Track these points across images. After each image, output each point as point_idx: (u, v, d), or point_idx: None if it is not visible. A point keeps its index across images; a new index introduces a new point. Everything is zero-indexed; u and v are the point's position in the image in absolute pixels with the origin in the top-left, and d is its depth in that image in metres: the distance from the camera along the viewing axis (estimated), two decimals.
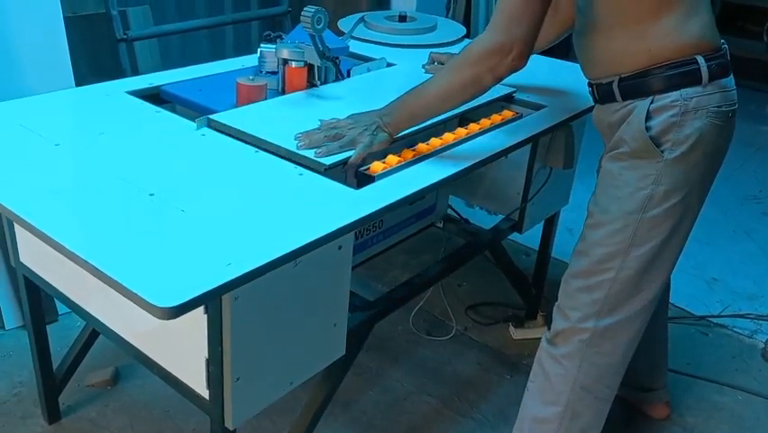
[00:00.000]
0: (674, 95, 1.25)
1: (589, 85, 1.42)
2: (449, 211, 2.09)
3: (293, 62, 1.63)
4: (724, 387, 2.08)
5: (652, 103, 1.27)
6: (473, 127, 1.56)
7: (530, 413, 1.54)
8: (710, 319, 2.41)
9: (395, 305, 1.63)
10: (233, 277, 0.93)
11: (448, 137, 1.49)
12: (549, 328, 1.50)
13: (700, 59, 1.25)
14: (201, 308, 1.07)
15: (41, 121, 1.39)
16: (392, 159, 1.37)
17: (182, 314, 0.88)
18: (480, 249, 1.98)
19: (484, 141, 1.51)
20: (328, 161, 1.27)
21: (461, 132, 1.53)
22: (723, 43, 1.33)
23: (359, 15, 2.40)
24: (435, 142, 1.46)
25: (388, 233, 1.74)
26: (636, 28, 1.26)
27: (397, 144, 1.44)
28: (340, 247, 1.22)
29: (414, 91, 1.35)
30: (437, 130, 1.57)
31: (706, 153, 1.29)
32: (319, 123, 1.39)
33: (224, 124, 1.41)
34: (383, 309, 1.57)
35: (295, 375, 1.26)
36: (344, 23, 2.33)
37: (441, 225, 2.02)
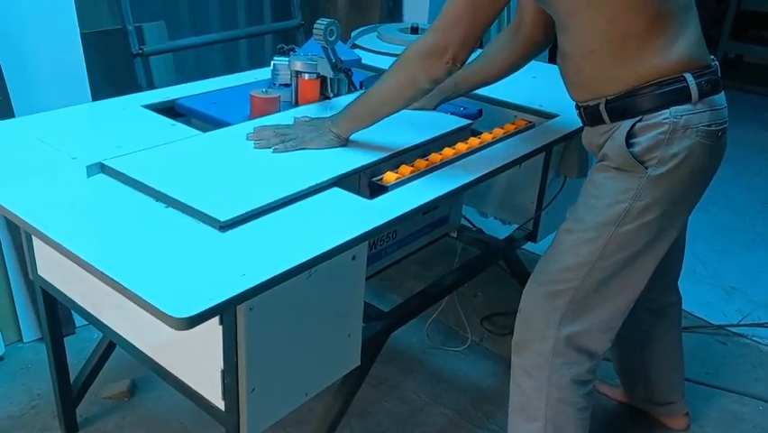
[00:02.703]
0: (665, 113, 1.23)
1: (577, 107, 1.39)
2: (462, 221, 2.09)
3: (306, 74, 1.64)
4: (744, 397, 2.04)
5: (640, 121, 1.24)
6: (486, 137, 1.56)
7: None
8: (729, 329, 2.37)
9: (410, 315, 1.63)
10: (248, 287, 0.94)
11: (461, 147, 1.49)
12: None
13: (689, 77, 1.23)
14: (216, 319, 1.08)
15: (58, 135, 1.41)
16: (405, 169, 1.37)
17: (197, 324, 0.88)
18: (495, 259, 1.98)
19: (497, 150, 1.51)
20: (225, 216, 1.11)
21: (475, 141, 1.53)
22: (713, 60, 1.31)
23: (371, 27, 2.42)
24: (448, 151, 1.46)
25: (402, 243, 1.74)
26: (622, 52, 1.23)
27: (410, 154, 1.44)
28: (354, 257, 1.22)
29: (361, 95, 1.39)
30: (450, 140, 1.57)
31: (693, 172, 1.27)
32: (294, 120, 1.46)
33: (119, 172, 1.26)
34: (398, 320, 1.57)
35: (310, 386, 1.26)
36: (357, 35, 2.35)
37: (455, 234, 2.01)
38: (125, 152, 1.34)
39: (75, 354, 1.88)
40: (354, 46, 2.34)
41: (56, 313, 1.60)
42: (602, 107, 1.28)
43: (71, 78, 1.99)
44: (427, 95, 1.39)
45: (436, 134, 1.53)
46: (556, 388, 1.42)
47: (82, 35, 2.02)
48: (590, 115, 1.33)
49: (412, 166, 1.39)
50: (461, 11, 1.22)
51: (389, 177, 1.34)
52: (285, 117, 1.53)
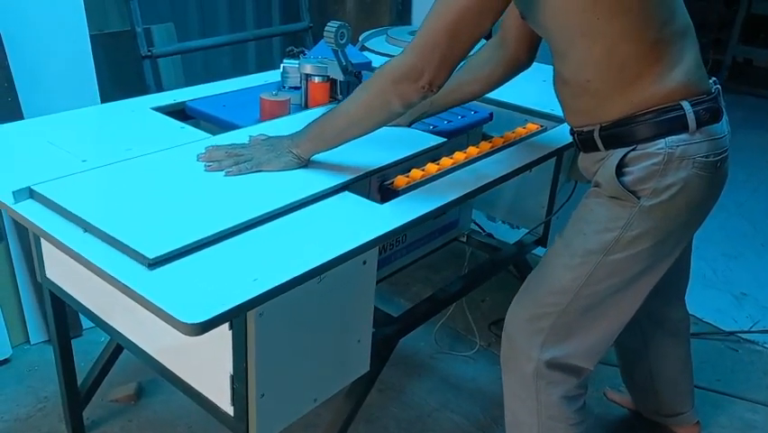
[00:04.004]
0: (660, 142, 1.17)
1: (571, 132, 1.34)
2: (472, 225, 2.08)
3: (316, 77, 1.64)
4: (756, 405, 2.03)
5: (634, 150, 1.19)
6: (498, 141, 1.55)
7: None
8: (740, 335, 2.35)
9: (419, 320, 1.62)
10: (260, 292, 0.93)
11: (472, 151, 1.48)
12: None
13: (686, 105, 1.17)
14: (226, 324, 1.06)
15: (68, 137, 1.41)
16: (416, 173, 1.36)
17: (209, 330, 0.87)
18: (505, 264, 1.96)
19: (509, 154, 1.50)
20: (154, 253, 0.98)
21: (485, 145, 1.52)
22: (715, 83, 1.26)
23: (380, 30, 2.41)
24: (459, 156, 1.45)
25: (411, 247, 1.73)
26: (618, 81, 1.18)
27: (421, 158, 1.43)
28: (365, 262, 1.21)
29: (328, 113, 1.27)
30: (460, 144, 1.56)
31: (690, 204, 1.22)
32: (249, 138, 1.36)
33: (48, 198, 1.14)
34: (407, 325, 1.56)
35: (319, 392, 1.25)
36: (366, 38, 2.35)
37: (464, 239, 2.00)
38: (135, 154, 1.33)
39: (82, 357, 1.87)
40: (363, 48, 2.34)
41: (64, 316, 1.60)
42: (596, 134, 1.24)
43: (80, 79, 1.99)
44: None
45: (407, 154, 1.41)
46: (546, 407, 1.40)
47: (91, 37, 2.02)
48: (584, 142, 1.28)
49: (423, 170, 1.38)
50: (440, 33, 1.12)
51: (400, 181, 1.33)
52: (240, 136, 1.42)
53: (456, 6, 1.10)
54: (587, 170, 1.33)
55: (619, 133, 1.20)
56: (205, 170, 1.25)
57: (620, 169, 1.21)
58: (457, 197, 1.29)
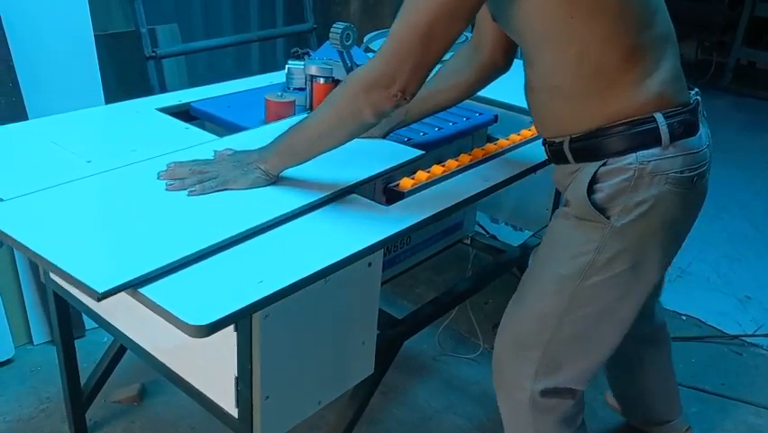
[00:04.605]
0: (630, 157, 1.10)
1: (543, 143, 1.28)
2: (476, 227, 2.08)
3: (321, 78, 1.63)
4: (761, 409, 2.02)
5: (604, 165, 1.12)
6: (503, 143, 1.55)
7: None
8: (744, 339, 2.34)
9: (423, 323, 1.61)
10: (265, 295, 0.93)
11: (477, 153, 1.48)
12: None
13: (659, 117, 1.09)
14: (231, 326, 1.06)
15: (73, 138, 1.41)
16: (421, 175, 1.36)
17: (214, 332, 0.87)
18: (509, 267, 1.96)
19: (514, 156, 1.50)
20: (103, 287, 0.91)
21: (491, 147, 1.52)
22: (695, 94, 1.19)
23: (384, 31, 2.41)
24: (465, 157, 1.45)
25: (415, 249, 1.73)
26: (591, 89, 1.11)
27: (426, 160, 1.43)
28: (370, 264, 1.20)
29: (296, 126, 1.19)
30: (465, 146, 1.56)
31: (664, 223, 1.15)
32: (214, 153, 1.28)
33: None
34: (411, 327, 1.55)
35: (323, 394, 1.24)
36: (370, 39, 2.34)
37: (468, 241, 2.00)
38: (140, 155, 1.33)
39: (84, 358, 1.87)
40: (368, 50, 2.33)
41: (67, 316, 1.60)
42: (566, 146, 1.17)
43: (85, 80, 1.99)
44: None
45: (382, 169, 1.32)
46: (544, 429, 1.35)
47: (95, 37, 2.02)
48: (555, 153, 1.21)
49: (428, 172, 1.37)
50: (411, 39, 1.05)
51: (406, 183, 1.32)
52: (243, 139, 1.36)
53: (427, 9, 1.04)
54: (559, 182, 1.26)
55: (590, 146, 1.14)
56: (167, 189, 1.17)
57: (591, 185, 1.14)
58: (462, 199, 1.29)
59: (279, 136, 1.20)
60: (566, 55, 1.09)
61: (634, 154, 1.10)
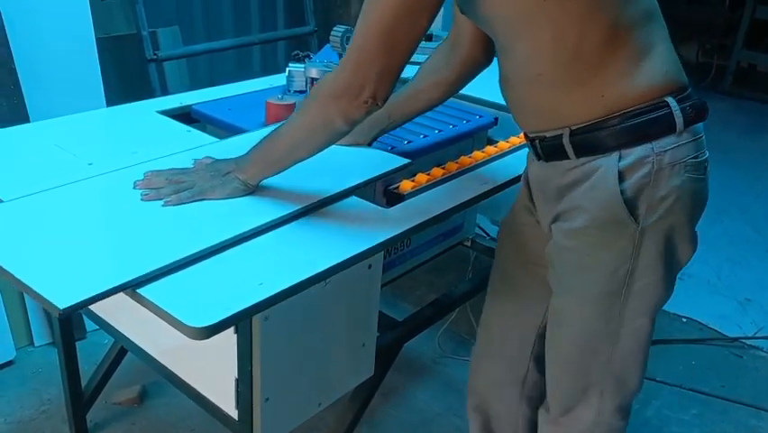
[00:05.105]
0: (644, 148, 1.01)
1: (527, 138, 1.16)
2: (476, 229, 2.08)
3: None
4: (761, 411, 2.02)
5: (620, 160, 1.02)
6: (503, 145, 1.55)
7: None
8: (744, 341, 2.35)
9: (423, 325, 1.62)
10: (266, 297, 0.93)
11: (478, 155, 1.48)
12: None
13: (672, 102, 1.01)
14: (231, 328, 1.07)
15: (74, 140, 1.41)
16: (422, 177, 1.36)
17: (215, 334, 0.87)
18: None
19: (515, 159, 1.50)
20: (65, 303, 0.88)
21: (491, 150, 1.52)
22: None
23: None
24: (465, 160, 1.45)
25: (415, 251, 1.73)
26: (573, 73, 1.02)
27: (427, 162, 1.43)
28: (370, 266, 1.21)
29: (270, 136, 1.16)
30: (466, 148, 1.56)
31: (692, 212, 1.08)
32: (193, 162, 1.25)
33: None
34: (412, 329, 1.56)
35: (323, 396, 1.25)
36: None
37: (468, 243, 2.00)
38: (141, 157, 1.33)
39: (85, 360, 1.87)
40: None
41: (68, 318, 1.60)
42: (565, 140, 1.05)
43: (86, 82, 2.00)
44: (357, 130, 1.17)
45: (365, 178, 1.29)
46: None
47: (96, 40, 2.02)
48: (548, 150, 1.10)
49: (428, 174, 1.38)
50: (374, 43, 1.00)
51: (406, 185, 1.33)
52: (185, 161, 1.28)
53: (387, 9, 0.98)
54: (547, 182, 1.13)
55: (595, 139, 1.03)
56: (142, 200, 1.14)
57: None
58: (462, 201, 1.29)
59: (256, 145, 1.17)
60: (542, 41, 1.01)
61: (650, 145, 1.01)
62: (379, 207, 1.23)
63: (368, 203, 1.24)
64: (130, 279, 0.93)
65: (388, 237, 1.12)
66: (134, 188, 1.18)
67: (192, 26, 3.05)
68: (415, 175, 1.37)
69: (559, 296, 1.19)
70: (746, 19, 5.18)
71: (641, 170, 1.02)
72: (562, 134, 1.06)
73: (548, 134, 1.09)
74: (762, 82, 5.39)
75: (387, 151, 1.43)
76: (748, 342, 2.34)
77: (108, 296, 0.92)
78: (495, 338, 1.42)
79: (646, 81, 1.01)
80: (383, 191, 1.36)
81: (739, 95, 5.21)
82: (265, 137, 1.16)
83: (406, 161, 1.38)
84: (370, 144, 1.43)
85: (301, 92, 1.71)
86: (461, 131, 1.61)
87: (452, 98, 1.41)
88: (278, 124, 1.16)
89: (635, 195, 1.03)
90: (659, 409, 2.01)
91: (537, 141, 1.12)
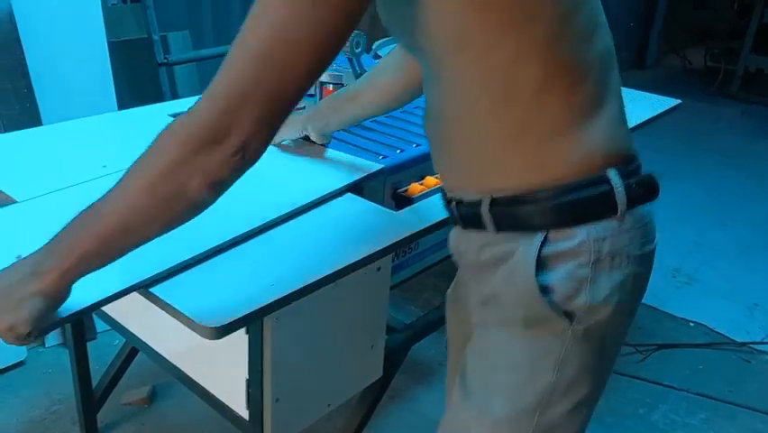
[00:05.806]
0: (580, 234, 0.77)
1: (443, 196, 0.92)
2: None
3: (331, 85, 1.65)
4: None
5: (544, 245, 0.78)
6: None
7: None
8: (752, 346, 2.34)
9: (432, 327, 1.62)
10: (277, 297, 0.94)
11: None
12: None
13: (614, 176, 0.77)
14: (242, 329, 1.08)
15: (88, 143, 1.43)
16: (430, 180, 1.37)
17: (228, 334, 0.88)
18: None
19: None
20: (77, 306, 0.84)
21: None
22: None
23: (393, 38, 2.42)
24: None
25: (423, 254, 1.74)
26: (502, 120, 0.77)
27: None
28: (379, 268, 1.22)
29: (85, 213, 0.78)
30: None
31: (631, 312, 0.85)
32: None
33: None
34: (420, 331, 1.56)
35: (333, 397, 1.26)
36: (379, 46, 2.36)
37: None
38: None
39: (96, 360, 1.89)
40: (377, 56, 2.35)
41: (79, 319, 1.62)
42: (484, 209, 0.81)
43: (98, 86, 2.02)
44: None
45: (342, 185, 1.22)
46: None
47: (108, 44, 2.04)
48: (465, 216, 0.86)
49: (437, 178, 1.39)
50: (254, 68, 0.71)
51: (415, 188, 1.34)
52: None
53: (274, 25, 0.71)
54: (465, 253, 0.90)
55: (521, 214, 0.79)
56: None
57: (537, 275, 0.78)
58: None
59: (60, 234, 0.79)
60: (469, 73, 0.76)
61: (584, 229, 0.77)
62: (388, 210, 1.24)
63: (377, 205, 1.25)
64: (143, 278, 0.95)
65: (397, 240, 1.13)
66: None
67: (202, 31, 3.08)
68: (423, 178, 1.38)
69: (459, 404, 0.90)
70: (754, 23, 5.17)
71: (576, 258, 0.78)
72: (480, 202, 0.82)
73: (465, 199, 0.85)
74: None
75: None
76: (756, 347, 2.34)
77: (123, 295, 0.93)
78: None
79: (590, 145, 0.77)
80: (392, 194, 1.37)
81: (747, 99, 5.20)
82: (76, 220, 0.79)
83: (381, 165, 1.32)
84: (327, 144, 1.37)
85: (310, 95, 1.73)
86: None
87: None
88: (97, 199, 0.79)
89: (571, 291, 0.79)
90: (666, 413, 2.01)
91: (454, 202, 0.88)
